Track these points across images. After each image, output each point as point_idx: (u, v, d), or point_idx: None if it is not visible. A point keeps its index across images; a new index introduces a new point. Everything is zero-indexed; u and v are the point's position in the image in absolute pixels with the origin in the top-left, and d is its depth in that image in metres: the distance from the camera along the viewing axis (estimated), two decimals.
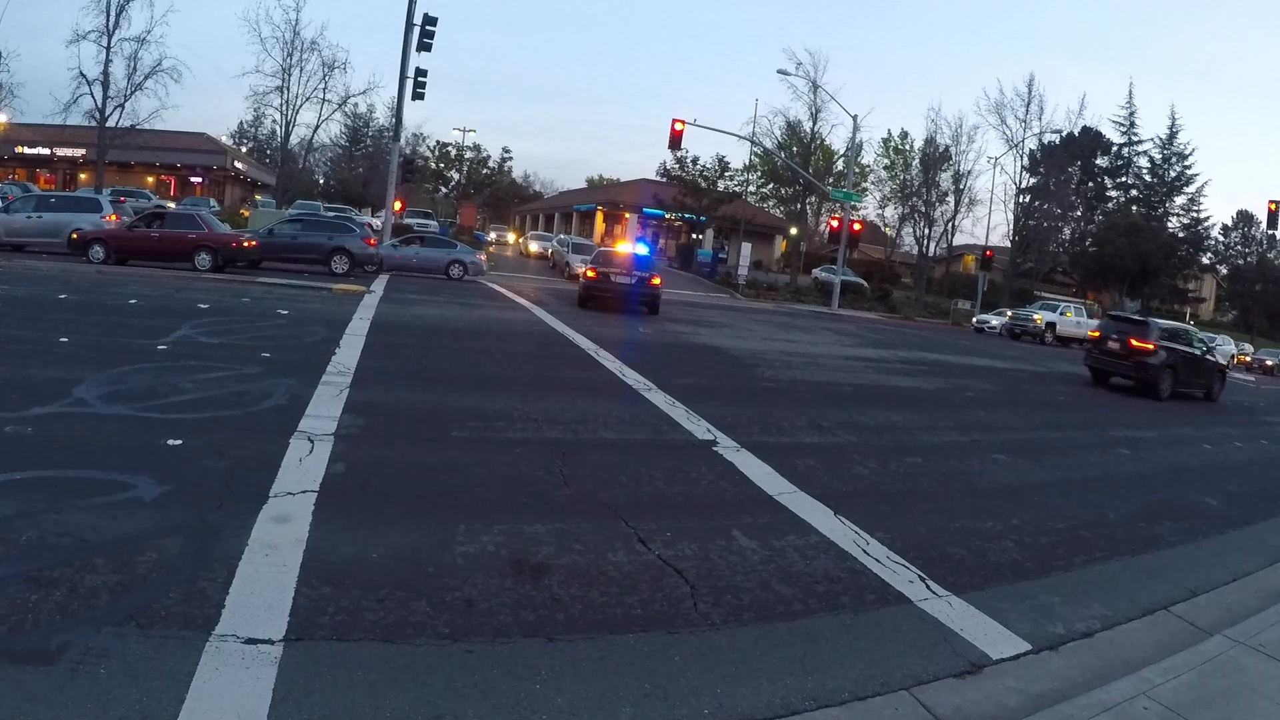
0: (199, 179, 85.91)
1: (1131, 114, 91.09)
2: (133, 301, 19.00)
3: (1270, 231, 47.69)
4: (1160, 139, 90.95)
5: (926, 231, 74.72)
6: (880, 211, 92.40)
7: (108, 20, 46.68)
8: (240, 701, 4.26)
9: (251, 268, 30.46)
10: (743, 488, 9.11)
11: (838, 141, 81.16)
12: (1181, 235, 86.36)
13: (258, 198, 79.86)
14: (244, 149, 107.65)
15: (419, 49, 45.26)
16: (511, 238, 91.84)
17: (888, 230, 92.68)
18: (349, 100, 61.96)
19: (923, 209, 74.76)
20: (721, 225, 79.97)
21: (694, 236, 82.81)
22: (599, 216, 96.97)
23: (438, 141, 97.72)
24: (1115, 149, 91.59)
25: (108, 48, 46.89)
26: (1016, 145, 74.80)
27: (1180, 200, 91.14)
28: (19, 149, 75.65)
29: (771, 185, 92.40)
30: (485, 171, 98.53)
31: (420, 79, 46.40)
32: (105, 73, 47.21)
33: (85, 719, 4.03)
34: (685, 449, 10.58)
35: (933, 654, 5.71)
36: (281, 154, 65.67)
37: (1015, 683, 5.46)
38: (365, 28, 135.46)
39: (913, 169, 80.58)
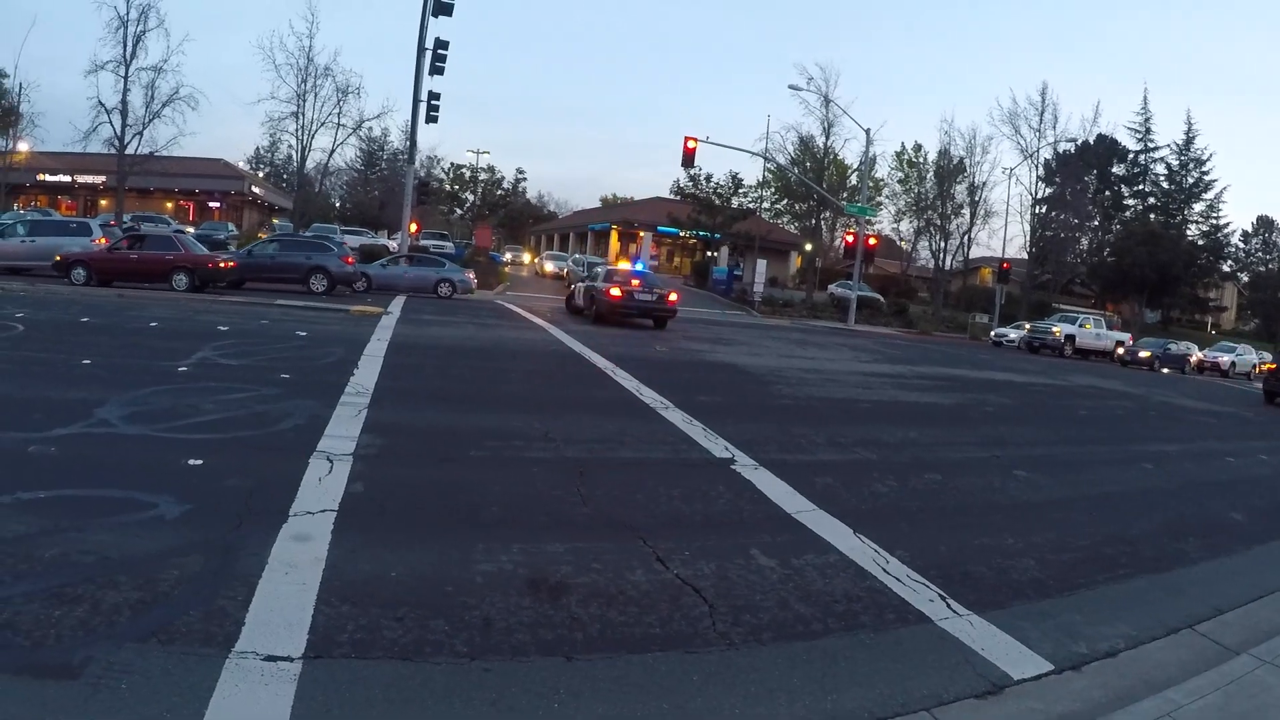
0: (217, 204, 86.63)
1: (1147, 120, 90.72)
2: (153, 324, 19.15)
3: None
4: (1177, 145, 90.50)
5: (942, 245, 74.75)
6: (895, 225, 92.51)
7: (125, 51, 47.12)
8: (259, 717, 4.27)
9: (234, 288, 31.06)
10: (761, 506, 9.09)
11: (851, 156, 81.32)
12: (1201, 243, 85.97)
13: (275, 221, 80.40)
14: (261, 174, 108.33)
15: (431, 73, 45.69)
16: (527, 258, 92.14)
17: (903, 244, 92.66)
18: (363, 124, 62.06)
19: (938, 222, 74.85)
20: (736, 242, 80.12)
21: (709, 254, 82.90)
22: (613, 235, 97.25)
23: (452, 163, 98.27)
24: (1131, 156, 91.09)
25: (125, 77, 47.31)
26: (1031, 155, 74.66)
27: (1199, 207, 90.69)
28: (41, 176, 76.47)
29: (785, 201, 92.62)
30: (500, 192, 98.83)
31: (433, 102, 46.81)
32: (123, 101, 47.61)
33: None
34: (703, 467, 10.56)
35: (953, 674, 5.66)
36: (298, 178, 65.91)
37: (1037, 703, 5.40)
38: (378, 53, 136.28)
39: (927, 182, 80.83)
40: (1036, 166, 76.76)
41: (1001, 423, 17.44)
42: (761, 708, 4.98)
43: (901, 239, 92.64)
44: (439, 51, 45.14)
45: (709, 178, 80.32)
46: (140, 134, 48.55)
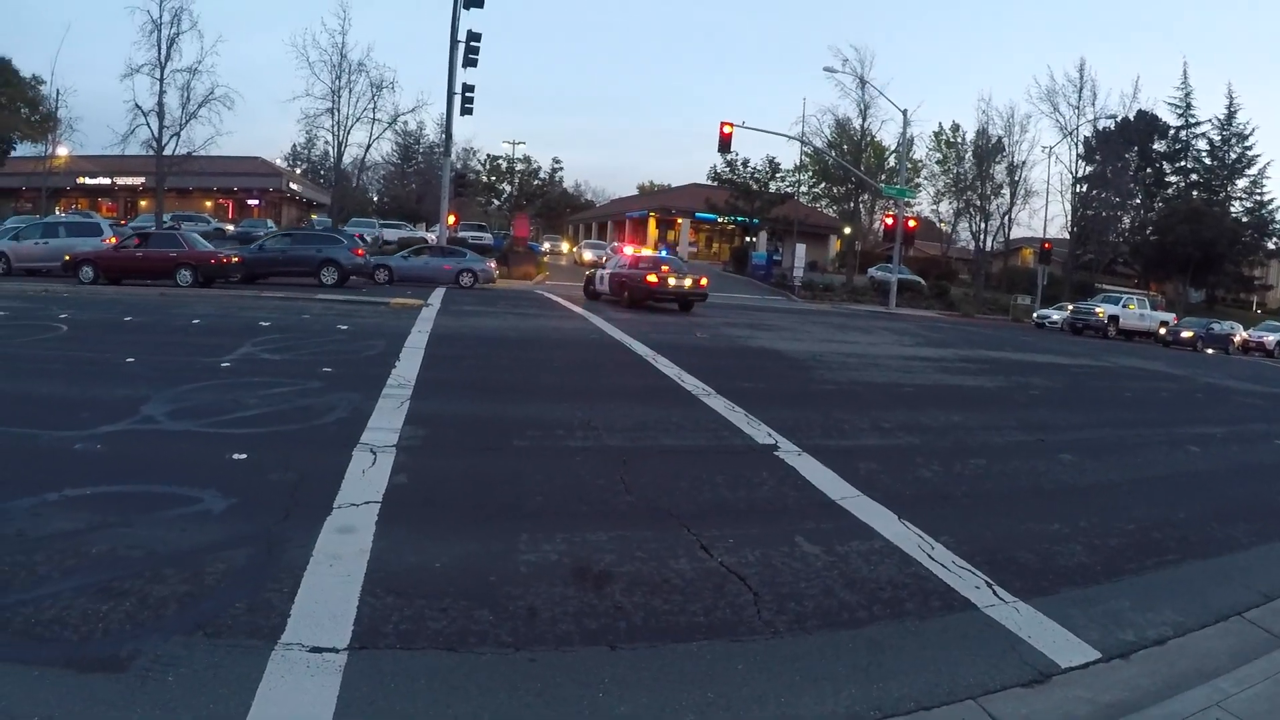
0: (255, 201, 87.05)
1: (1187, 95, 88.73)
2: (196, 321, 19.34)
3: None
4: (1218, 120, 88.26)
5: (982, 226, 73.96)
6: (934, 207, 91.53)
7: (159, 53, 47.30)
8: (305, 709, 4.30)
9: (248, 282, 31.44)
10: (805, 492, 9.05)
11: (888, 137, 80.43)
12: (1245, 220, 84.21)
13: (314, 217, 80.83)
14: (298, 170, 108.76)
15: (465, 65, 45.77)
16: (565, 247, 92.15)
17: (943, 226, 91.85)
18: (399, 119, 62.18)
19: (977, 203, 74.04)
20: (775, 227, 79.94)
21: (747, 240, 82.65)
22: (651, 223, 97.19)
23: (488, 155, 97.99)
24: (1172, 132, 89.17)
25: (161, 79, 47.49)
26: (1071, 133, 73.34)
27: (1242, 183, 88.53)
28: (81, 180, 77.13)
29: (823, 185, 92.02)
30: (537, 183, 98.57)
31: (468, 94, 46.89)
32: (160, 103, 47.83)
33: None
34: (746, 454, 10.53)
35: (1000, 662, 5.61)
36: (335, 174, 66.08)
37: (1084, 692, 5.34)
38: (411, 47, 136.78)
39: (966, 162, 79.63)
40: (1076, 145, 75.60)
41: (1045, 406, 17.29)
42: (807, 697, 4.96)
43: (941, 220, 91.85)
44: (471, 44, 45.20)
45: (746, 163, 79.85)
46: (177, 135, 48.79)
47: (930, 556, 7.34)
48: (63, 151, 64.40)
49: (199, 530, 6.55)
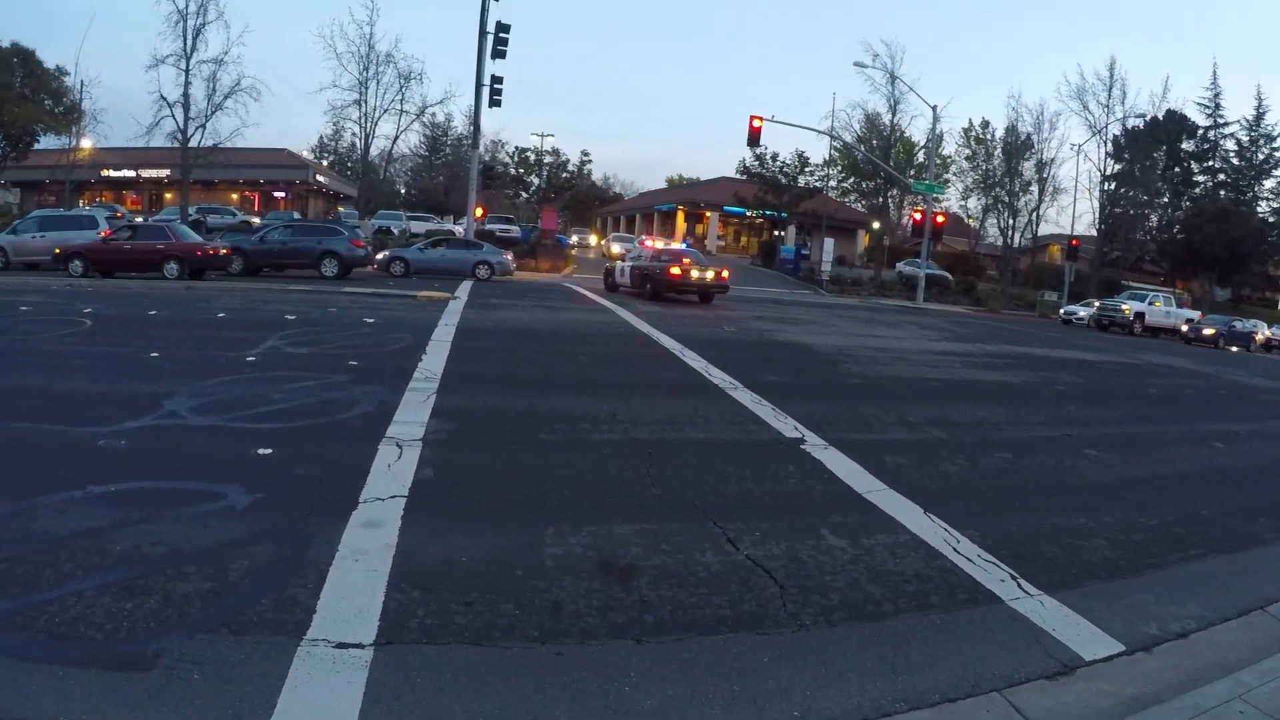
0: (282, 194, 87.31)
1: (1216, 95, 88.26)
2: (221, 315, 19.42)
3: None
4: (1247, 120, 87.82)
5: (1010, 222, 73.93)
6: (963, 203, 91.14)
7: (185, 44, 47.47)
8: (331, 705, 4.32)
9: (250, 274, 31.87)
10: (831, 486, 9.04)
11: (918, 133, 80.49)
12: (1272, 220, 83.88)
13: (340, 209, 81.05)
14: (325, 162, 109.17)
15: (493, 56, 45.78)
16: (593, 240, 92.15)
17: (971, 222, 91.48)
18: (426, 110, 62.35)
19: (1006, 199, 73.94)
20: (803, 221, 79.84)
21: (776, 234, 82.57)
22: (680, 216, 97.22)
23: (516, 147, 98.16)
24: (1201, 132, 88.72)
25: (186, 70, 47.66)
26: (1100, 131, 73.11)
27: (1269, 184, 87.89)
28: (105, 172, 77.37)
29: (852, 180, 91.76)
30: (565, 175, 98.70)
31: (496, 86, 46.88)
32: (185, 95, 48.00)
33: None
34: (773, 447, 10.51)
35: (1024, 655, 5.60)
36: (362, 166, 66.30)
37: (1107, 685, 5.33)
38: (439, 38, 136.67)
39: (994, 158, 79.48)
40: (1105, 143, 75.34)
41: (1071, 401, 17.18)
42: (832, 689, 4.96)
43: (969, 216, 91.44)
44: (500, 35, 45.19)
45: (775, 157, 79.91)
46: (203, 126, 49.00)
47: (955, 550, 7.33)
48: (87, 144, 64.62)
49: (223, 526, 6.58)
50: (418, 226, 63.63)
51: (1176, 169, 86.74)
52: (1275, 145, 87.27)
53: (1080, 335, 41.53)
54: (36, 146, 65.96)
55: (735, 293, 36.43)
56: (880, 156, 69.61)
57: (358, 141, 65.66)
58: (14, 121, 59.79)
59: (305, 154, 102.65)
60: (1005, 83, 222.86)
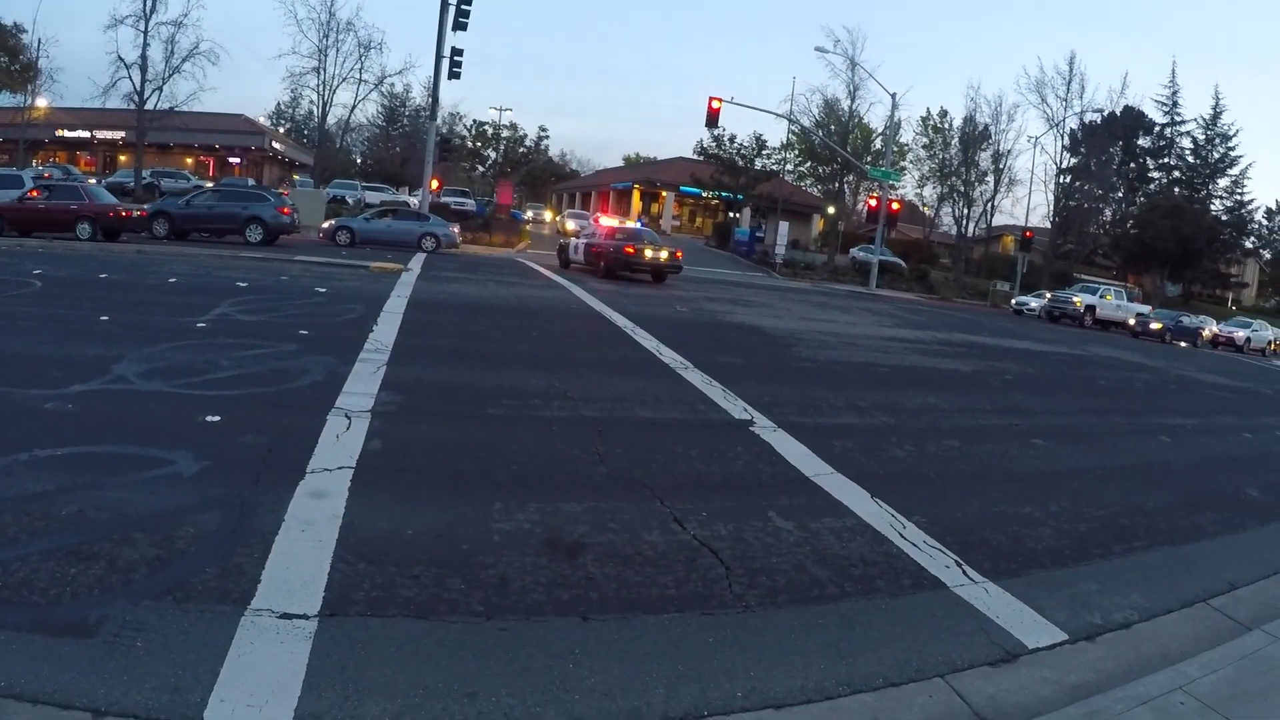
0: (237, 159, 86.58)
1: (1174, 94, 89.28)
2: (172, 280, 19.22)
3: None
4: (1204, 119, 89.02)
5: (965, 211, 74.64)
6: (919, 191, 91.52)
7: (145, 5, 46.99)
8: (275, 676, 4.28)
9: (178, 238, 31.83)
10: (779, 468, 9.07)
11: (876, 120, 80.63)
12: (1224, 218, 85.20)
13: (296, 178, 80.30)
14: (282, 129, 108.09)
15: (454, 28, 45.47)
16: (548, 216, 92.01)
17: (926, 210, 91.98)
18: (385, 80, 62.33)
19: (961, 189, 74.65)
20: (759, 204, 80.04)
21: (731, 215, 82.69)
22: (635, 195, 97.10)
23: (475, 121, 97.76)
24: (1158, 129, 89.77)
25: (145, 31, 47.27)
26: (1057, 125, 73.96)
27: (1223, 183, 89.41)
28: (59, 132, 76.42)
29: (809, 164, 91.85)
30: (522, 150, 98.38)
31: (456, 58, 46.59)
32: (143, 56, 47.62)
33: (121, 690, 4.05)
34: (722, 428, 10.54)
35: (968, 641, 5.66)
36: (319, 134, 65.89)
37: (1050, 673, 5.40)
38: (400, 8, 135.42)
39: (952, 148, 80.00)
40: (1062, 136, 76.14)
41: (1020, 391, 17.37)
42: (777, 671, 4.98)
43: (925, 205, 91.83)
44: (462, 7, 44.82)
45: (733, 139, 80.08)
46: (160, 89, 48.70)
47: (902, 535, 7.38)
48: (42, 103, 63.85)
49: (169, 493, 6.50)
50: (373, 197, 63.20)
51: (1132, 165, 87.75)
52: (1230, 145, 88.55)
53: (1031, 326, 41.99)
54: None
55: (689, 273, 36.52)
56: (838, 142, 69.71)
57: (315, 110, 65.29)
58: None
59: (262, 120, 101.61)
60: (965, 73, 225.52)
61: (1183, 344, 47.42)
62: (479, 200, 71.44)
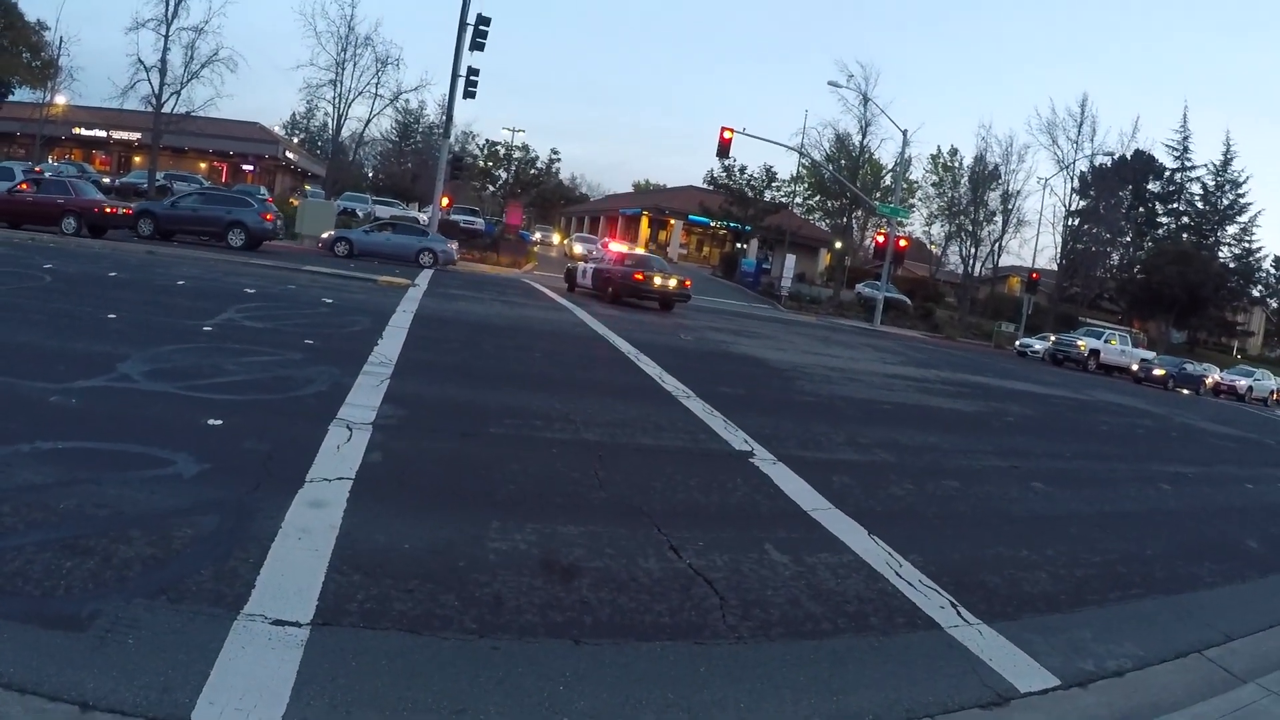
0: (250, 167, 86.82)
1: (1185, 139, 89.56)
2: (181, 283, 19.26)
3: None
4: (1214, 165, 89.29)
5: (972, 251, 74.51)
6: (926, 228, 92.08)
7: (167, 9, 47.23)
8: (264, 681, 4.27)
9: (164, 239, 31.89)
10: (777, 501, 9.05)
11: (886, 156, 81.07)
12: (1232, 266, 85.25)
13: (307, 188, 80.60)
14: (295, 140, 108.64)
15: (472, 48, 45.71)
16: (556, 238, 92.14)
17: (933, 248, 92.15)
18: (400, 96, 62.69)
19: (969, 228, 74.50)
20: (766, 236, 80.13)
21: (738, 246, 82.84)
22: (644, 221, 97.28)
23: (487, 140, 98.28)
24: (1168, 174, 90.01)
25: (166, 36, 47.44)
26: (1067, 166, 74.08)
27: (1232, 230, 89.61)
28: (77, 130, 76.87)
29: (818, 198, 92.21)
30: (533, 172, 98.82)
31: (472, 78, 46.82)
32: (163, 60, 47.77)
33: (110, 686, 4.05)
34: (722, 458, 10.53)
35: (960, 683, 5.63)
36: (332, 146, 66.21)
37: (1041, 717, 5.37)
38: (419, 25, 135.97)
39: (961, 187, 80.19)
40: (1072, 178, 76.23)
41: (1021, 433, 17.36)
42: (767, 704, 4.97)
43: (932, 243, 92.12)
44: (480, 28, 45.08)
45: (743, 169, 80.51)
46: (178, 93, 48.86)
47: (898, 574, 7.36)
48: (61, 100, 64.20)
49: (169, 493, 6.50)
50: (383, 211, 63.39)
51: (1141, 209, 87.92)
52: (1240, 191, 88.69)
53: (1034, 368, 41.93)
54: (10, 98, 65.35)
55: (695, 302, 36.56)
56: (848, 177, 69.84)
57: (330, 121, 65.55)
58: None
59: (277, 129, 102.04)
60: (976, 112, 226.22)
61: (1185, 391, 47.43)
62: (488, 220, 71.60)
